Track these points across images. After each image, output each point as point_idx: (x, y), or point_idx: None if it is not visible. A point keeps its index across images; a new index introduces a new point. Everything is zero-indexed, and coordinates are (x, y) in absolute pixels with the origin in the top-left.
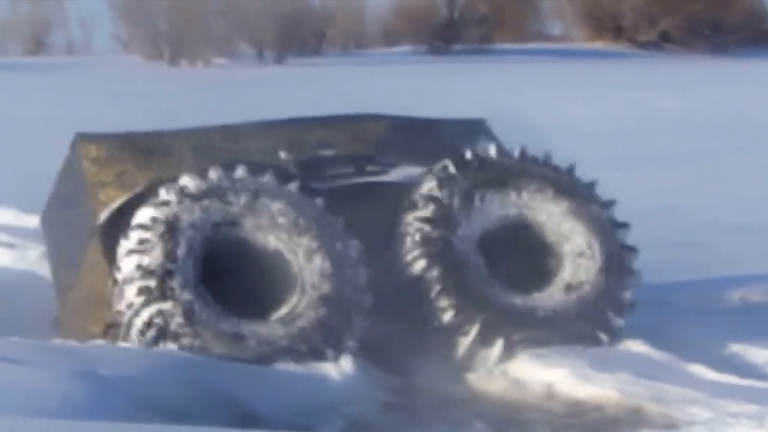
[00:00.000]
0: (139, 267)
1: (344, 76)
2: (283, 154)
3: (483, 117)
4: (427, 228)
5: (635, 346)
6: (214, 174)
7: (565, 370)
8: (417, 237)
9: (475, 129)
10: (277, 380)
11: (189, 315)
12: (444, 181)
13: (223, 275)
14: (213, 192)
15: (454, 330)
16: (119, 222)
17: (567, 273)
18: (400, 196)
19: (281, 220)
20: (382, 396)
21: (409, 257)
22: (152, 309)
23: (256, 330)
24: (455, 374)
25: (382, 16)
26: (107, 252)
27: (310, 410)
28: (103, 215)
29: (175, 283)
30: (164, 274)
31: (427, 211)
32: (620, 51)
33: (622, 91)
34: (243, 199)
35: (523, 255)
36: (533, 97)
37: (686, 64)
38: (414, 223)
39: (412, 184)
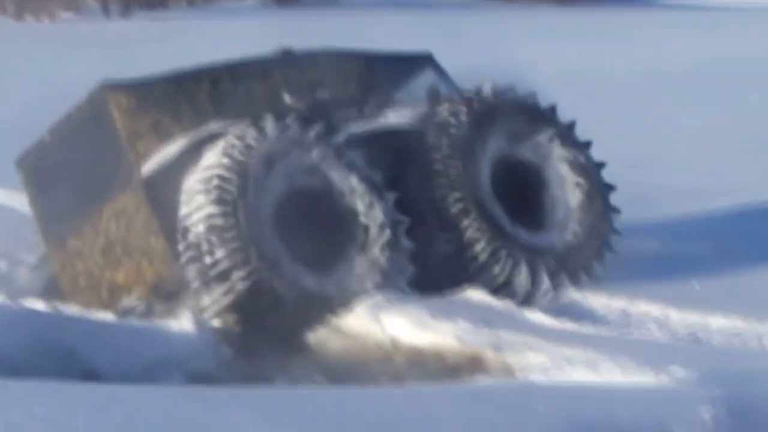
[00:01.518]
0: (217, 203)
1: (190, 31)
2: (288, 98)
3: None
4: (450, 164)
5: (474, 294)
6: (276, 124)
7: (404, 319)
8: (446, 174)
9: (423, 63)
10: (120, 336)
11: (263, 258)
12: (455, 116)
13: (293, 223)
14: (283, 141)
15: (488, 265)
16: (168, 174)
17: (561, 213)
18: (408, 138)
19: (346, 171)
20: (223, 352)
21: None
22: (229, 248)
23: (327, 278)
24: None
25: None
26: (155, 203)
27: (150, 365)
28: (148, 167)
29: (252, 225)
30: (243, 217)
31: (445, 147)
32: (471, 2)
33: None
34: (313, 151)
35: (522, 193)
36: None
37: (533, 15)
38: (438, 161)
39: (415, 127)
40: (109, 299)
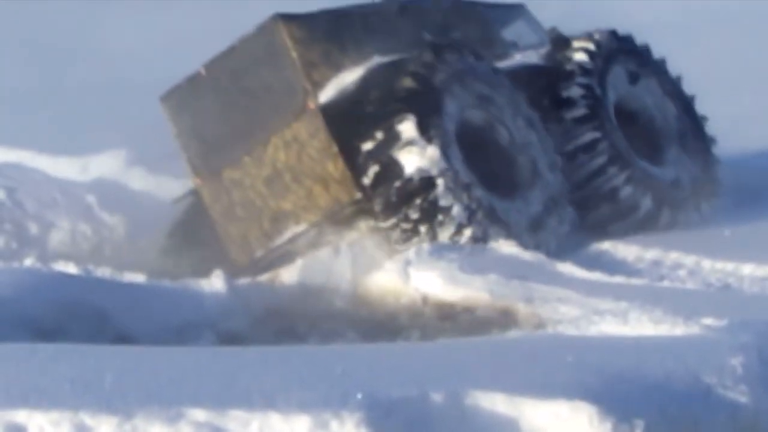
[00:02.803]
0: (416, 128)
1: None
2: (427, 36)
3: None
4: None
5: (505, 246)
6: (458, 57)
7: (435, 274)
8: (582, 105)
9: (519, 11)
10: (151, 298)
11: (461, 181)
12: (592, 54)
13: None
14: (460, 68)
15: (618, 189)
16: (346, 102)
17: (671, 152)
18: (544, 73)
19: (513, 108)
20: (255, 311)
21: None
22: (437, 171)
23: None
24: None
25: None
26: (334, 129)
27: (182, 326)
28: (325, 94)
29: (448, 149)
30: (440, 142)
31: (583, 80)
32: None
33: None
34: (486, 86)
35: (640, 131)
36: None
37: None
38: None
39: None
40: (272, 227)
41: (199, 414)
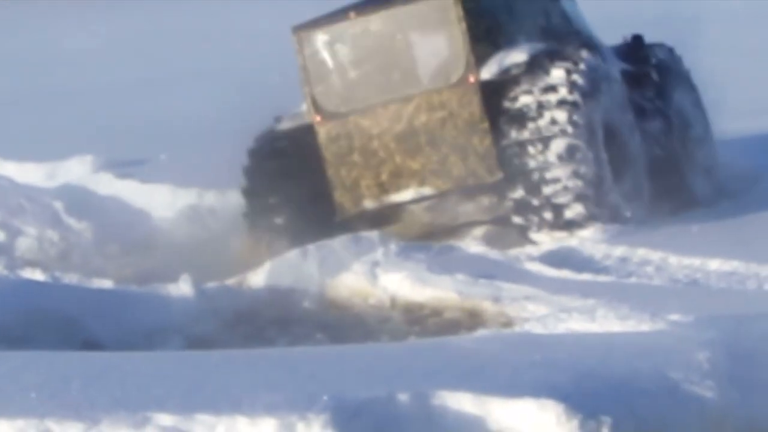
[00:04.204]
0: (570, 122)
1: None
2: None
3: None
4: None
5: (472, 246)
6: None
7: (403, 275)
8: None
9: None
10: (119, 303)
11: (602, 184)
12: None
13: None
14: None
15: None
16: (504, 82)
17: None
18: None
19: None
20: (223, 315)
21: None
22: (577, 168)
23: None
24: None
25: None
26: (489, 106)
27: (150, 331)
28: (486, 70)
29: (598, 145)
30: (591, 137)
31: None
32: None
33: None
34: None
35: None
36: None
37: None
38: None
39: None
40: (390, 182)
41: (166, 419)
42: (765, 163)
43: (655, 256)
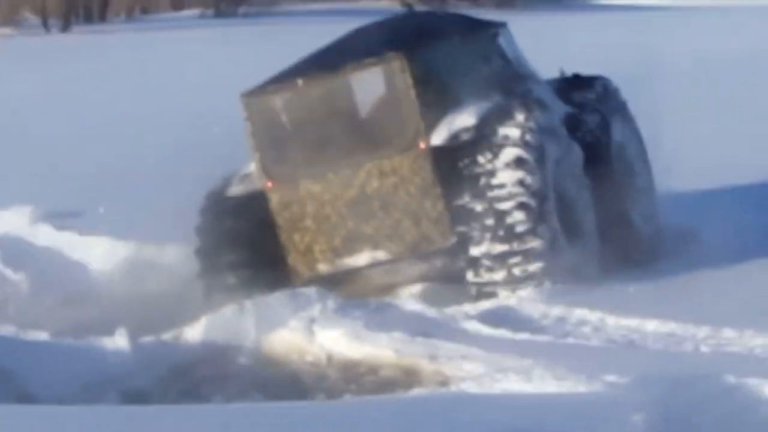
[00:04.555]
0: (521, 184)
1: (130, 43)
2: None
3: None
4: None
5: (409, 303)
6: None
7: (339, 332)
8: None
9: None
10: (55, 356)
11: (556, 242)
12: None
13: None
14: (553, 129)
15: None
16: (456, 146)
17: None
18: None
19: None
20: (159, 370)
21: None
22: (532, 226)
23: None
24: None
25: None
26: (440, 171)
27: (86, 385)
28: (437, 136)
29: (550, 207)
30: (544, 197)
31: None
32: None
33: None
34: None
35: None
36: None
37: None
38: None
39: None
40: (344, 247)
41: None
42: (704, 222)
43: (593, 316)
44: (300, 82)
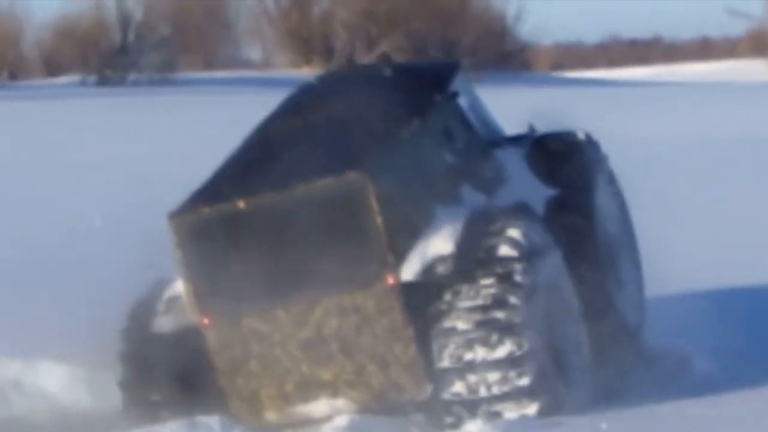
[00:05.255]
0: (507, 328)
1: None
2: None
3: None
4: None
5: None
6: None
7: None
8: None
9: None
10: None
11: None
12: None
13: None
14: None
15: None
16: (428, 282)
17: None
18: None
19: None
20: None
21: None
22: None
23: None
24: None
25: (42, 41)
26: (412, 310)
27: None
28: (407, 269)
29: (538, 344)
30: (532, 338)
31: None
32: None
33: None
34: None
35: None
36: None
37: None
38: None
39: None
40: (296, 393)
41: None
42: (694, 342)
43: None
44: (241, 203)
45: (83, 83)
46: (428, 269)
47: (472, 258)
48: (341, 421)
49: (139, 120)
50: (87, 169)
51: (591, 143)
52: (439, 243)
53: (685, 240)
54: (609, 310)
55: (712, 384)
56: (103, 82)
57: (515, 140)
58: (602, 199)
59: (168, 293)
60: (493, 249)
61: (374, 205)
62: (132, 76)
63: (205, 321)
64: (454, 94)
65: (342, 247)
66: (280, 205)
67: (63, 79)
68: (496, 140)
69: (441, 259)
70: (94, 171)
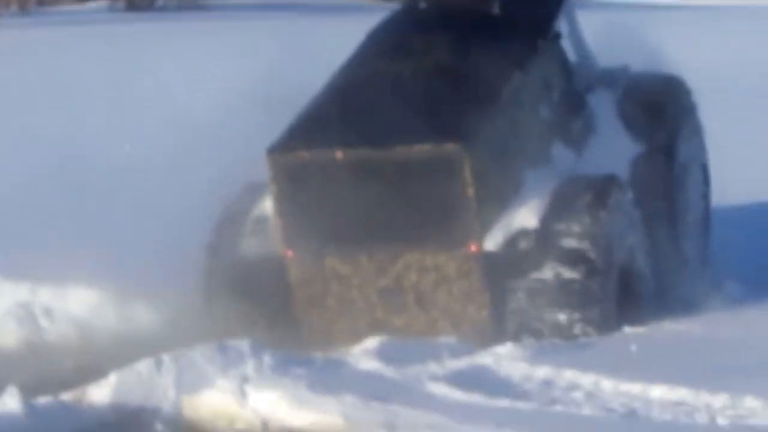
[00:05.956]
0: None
1: (24, 41)
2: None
3: None
4: None
5: (363, 361)
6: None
7: (278, 394)
8: None
9: None
10: None
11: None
12: None
13: None
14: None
15: None
16: (510, 251)
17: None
18: None
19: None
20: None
21: None
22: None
23: None
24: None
25: None
26: (492, 278)
27: None
28: (491, 239)
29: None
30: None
31: None
32: (348, 5)
33: None
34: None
35: None
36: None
37: None
38: None
39: None
40: (368, 331)
41: None
42: (725, 267)
43: (586, 379)
44: (339, 153)
45: (111, 9)
46: (511, 241)
47: (554, 236)
48: (371, 343)
49: (168, 47)
50: (116, 101)
51: (683, 91)
52: (524, 216)
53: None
54: (678, 257)
55: (742, 307)
56: (131, 7)
57: (608, 78)
58: (685, 151)
59: (256, 212)
60: (575, 230)
61: (468, 176)
62: (161, 0)
63: (290, 254)
64: (558, 36)
65: (431, 209)
66: (376, 162)
67: (91, 5)
68: (590, 81)
69: (524, 233)
70: (121, 104)
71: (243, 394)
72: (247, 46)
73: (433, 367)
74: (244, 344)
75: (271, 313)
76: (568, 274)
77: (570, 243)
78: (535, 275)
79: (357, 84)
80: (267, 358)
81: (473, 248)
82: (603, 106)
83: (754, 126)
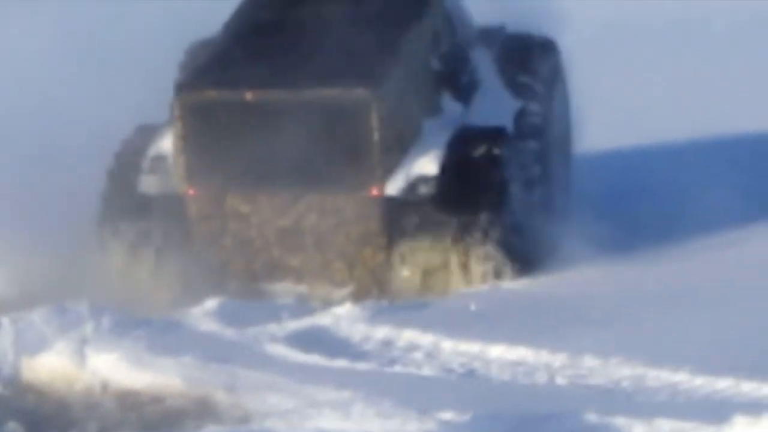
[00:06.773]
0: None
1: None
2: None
3: None
4: None
5: (203, 322)
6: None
7: (116, 356)
8: None
9: None
10: None
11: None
12: None
13: None
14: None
15: None
16: (409, 196)
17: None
18: None
19: None
20: None
21: None
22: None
23: None
24: None
25: None
26: (389, 221)
27: None
28: (393, 184)
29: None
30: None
31: None
32: None
33: None
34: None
35: None
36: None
37: None
38: None
39: None
40: (263, 272)
41: None
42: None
43: (425, 339)
44: (249, 94)
45: None
46: (411, 188)
47: (452, 183)
48: (211, 305)
49: None
50: None
51: (553, 49)
52: (424, 163)
53: None
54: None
55: (582, 265)
56: None
57: (486, 37)
58: (557, 102)
59: (153, 150)
60: (473, 175)
61: (375, 122)
62: None
63: (191, 192)
64: None
65: (336, 152)
66: (285, 104)
67: None
68: (470, 39)
69: (424, 179)
70: None
71: (82, 356)
72: None
73: (273, 328)
74: (83, 306)
75: (167, 249)
76: (466, 219)
77: (467, 190)
78: (433, 220)
79: (261, 28)
80: (106, 320)
81: (375, 192)
82: (483, 63)
83: (618, 80)
